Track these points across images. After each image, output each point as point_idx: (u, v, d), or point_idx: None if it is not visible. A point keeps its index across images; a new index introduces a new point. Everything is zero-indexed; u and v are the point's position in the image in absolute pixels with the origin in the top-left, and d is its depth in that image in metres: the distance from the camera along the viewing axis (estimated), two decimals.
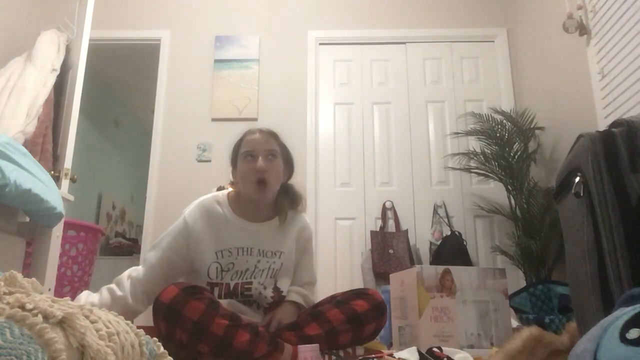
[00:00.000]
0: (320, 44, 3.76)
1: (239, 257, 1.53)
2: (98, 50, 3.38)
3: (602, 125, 2.37)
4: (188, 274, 1.57)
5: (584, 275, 1.18)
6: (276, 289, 1.56)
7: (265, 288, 1.54)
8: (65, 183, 2.49)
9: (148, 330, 0.85)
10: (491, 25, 3.75)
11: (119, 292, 1.49)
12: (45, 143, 2.57)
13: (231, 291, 1.50)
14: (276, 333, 1.42)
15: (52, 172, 2.49)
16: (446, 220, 3.31)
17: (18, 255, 1.80)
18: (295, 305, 1.57)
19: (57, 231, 2.03)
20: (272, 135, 1.59)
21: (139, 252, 3.87)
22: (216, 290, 1.49)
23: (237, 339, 1.28)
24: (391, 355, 1.28)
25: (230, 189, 1.66)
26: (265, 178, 1.51)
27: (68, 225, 2.58)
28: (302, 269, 1.68)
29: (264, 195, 1.54)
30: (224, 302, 1.42)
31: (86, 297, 1.51)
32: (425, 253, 3.27)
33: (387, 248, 3.17)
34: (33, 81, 2.63)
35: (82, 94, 2.69)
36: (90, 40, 2.77)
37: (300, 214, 1.68)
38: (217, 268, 1.51)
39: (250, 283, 1.52)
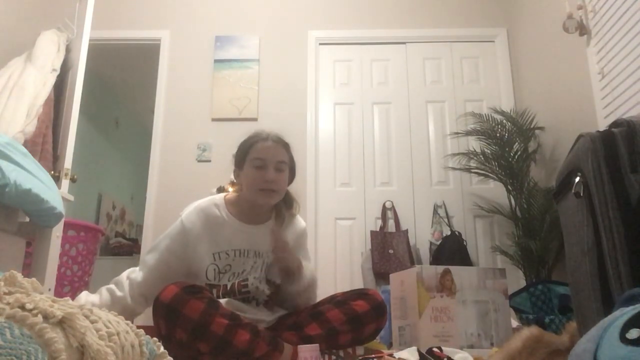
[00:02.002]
0: (320, 44, 3.76)
1: (235, 258, 1.54)
2: (98, 50, 3.37)
3: (602, 125, 2.37)
4: (186, 276, 1.57)
5: (584, 275, 1.18)
6: (269, 282, 1.56)
7: (260, 282, 1.54)
8: (65, 183, 2.49)
9: (148, 330, 0.85)
10: (491, 25, 3.75)
11: (118, 293, 1.50)
12: (45, 143, 2.57)
13: (228, 290, 1.50)
14: (276, 333, 1.42)
15: (52, 172, 2.49)
16: (446, 220, 3.31)
17: (18, 255, 1.80)
18: (299, 260, 1.56)
19: (57, 231, 2.03)
20: (283, 146, 1.58)
21: (139, 252, 3.87)
22: (214, 292, 1.49)
23: (237, 338, 1.28)
24: (391, 355, 1.29)
25: (230, 190, 1.67)
26: (274, 189, 1.53)
27: (68, 225, 2.58)
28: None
29: (270, 203, 1.57)
30: (223, 302, 1.43)
31: (85, 297, 1.52)
32: (425, 253, 3.27)
33: (387, 248, 3.17)
34: (33, 81, 2.63)
35: (82, 94, 2.69)
36: (90, 40, 2.77)
37: (294, 217, 1.70)
38: (214, 270, 1.51)
39: (247, 279, 1.53)
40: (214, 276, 1.51)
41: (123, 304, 1.48)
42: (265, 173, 1.51)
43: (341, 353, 1.53)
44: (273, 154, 1.53)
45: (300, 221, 1.72)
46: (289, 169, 1.60)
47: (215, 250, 1.52)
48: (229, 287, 1.51)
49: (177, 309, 1.28)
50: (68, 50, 2.89)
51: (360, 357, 1.34)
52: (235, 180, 1.65)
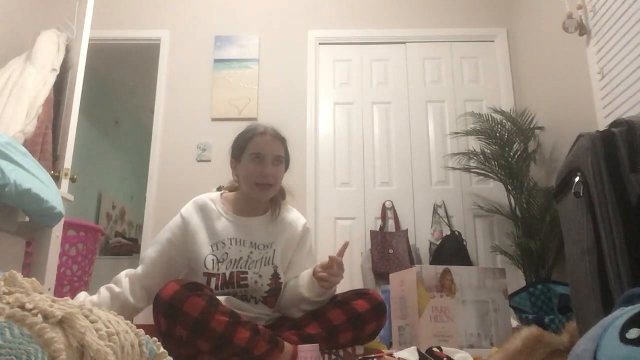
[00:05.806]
0: (320, 44, 3.76)
1: (232, 247, 1.56)
2: (98, 50, 3.37)
3: (602, 125, 2.37)
4: (186, 273, 1.58)
5: (584, 275, 1.18)
6: (275, 276, 1.56)
7: (261, 277, 1.55)
8: (65, 183, 2.49)
9: (148, 330, 0.85)
10: (491, 25, 3.75)
11: (117, 290, 1.51)
12: (45, 143, 2.57)
13: (227, 281, 1.51)
14: (277, 332, 1.42)
15: (52, 172, 2.49)
16: (446, 220, 3.31)
17: (18, 255, 1.80)
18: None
19: (57, 231, 2.03)
20: (281, 140, 1.61)
21: (139, 252, 3.88)
22: (213, 281, 1.50)
23: (237, 335, 1.29)
24: (391, 355, 1.29)
25: (225, 191, 1.68)
26: (271, 183, 1.56)
27: (68, 225, 2.58)
28: (303, 262, 1.67)
29: (267, 197, 1.60)
30: (222, 299, 1.43)
31: (84, 297, 1.52)
32: (425, 253, 3.27)
33: (387, 248, 3.17)
34: (33, 81, 2.63)
35: (82, 94, 2.69)
36: (90, 40, 2.76)
37: (290, 208, 1.71)
38: (213, 260, 1.53)
39: (246, 273, 1.53)
40: (213, 266, 1.52)
41: (122, 300, 1.48)
42: (264, 168, 1.54)
43: (341, 353, 1.53)
44: (271, 149, 1.56)
45: (301, 217, 1.71)
46: (285, 163, 1.63)
47: (213, 241, 1.55)
48: (227, 276, 1.51)
49: (177, 306, 1.28)
50: (68, 50, 2.89)
51: (360, 357, 1.34)
52: (233, 173, 1.65)
